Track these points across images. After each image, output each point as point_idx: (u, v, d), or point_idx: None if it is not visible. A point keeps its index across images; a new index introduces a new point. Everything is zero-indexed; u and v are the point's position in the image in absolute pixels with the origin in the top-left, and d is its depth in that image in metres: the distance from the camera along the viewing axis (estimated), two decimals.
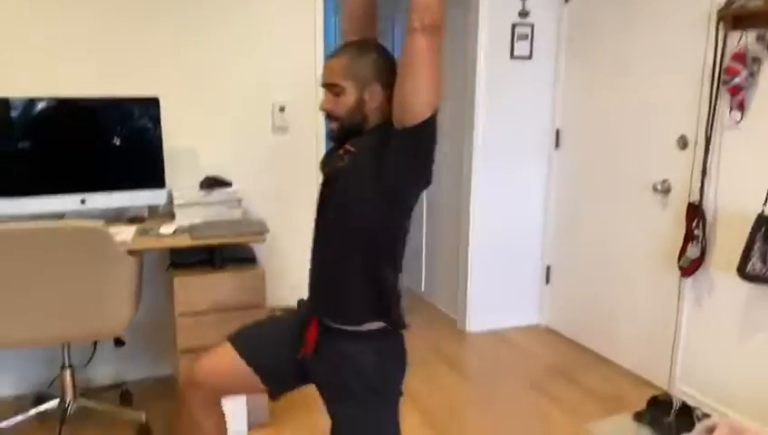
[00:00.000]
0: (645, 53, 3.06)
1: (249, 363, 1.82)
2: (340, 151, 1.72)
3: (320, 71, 3.19)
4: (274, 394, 1.89)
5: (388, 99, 1.64)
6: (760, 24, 2.46)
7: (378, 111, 1.68)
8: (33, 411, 2.63)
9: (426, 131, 1.58)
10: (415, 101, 1.54)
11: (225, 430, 1.95)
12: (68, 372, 2.63)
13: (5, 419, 2.58)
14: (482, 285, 3.79)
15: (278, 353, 1.84)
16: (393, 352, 1.79)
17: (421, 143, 1.60)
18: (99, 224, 2.27)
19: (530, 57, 3.59)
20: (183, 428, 1.93)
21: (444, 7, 1.53)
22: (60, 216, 2.70)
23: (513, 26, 3.52)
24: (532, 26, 3.54)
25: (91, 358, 2.97)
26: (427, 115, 1.56)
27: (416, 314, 4.10)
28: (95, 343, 2.96)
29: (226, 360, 1.83)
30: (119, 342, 2.78)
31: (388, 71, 1.66)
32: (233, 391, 1.95)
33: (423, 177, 1.66)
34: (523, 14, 3.51)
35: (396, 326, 1.76)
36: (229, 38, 3.04)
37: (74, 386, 2.65)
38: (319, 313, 1.78)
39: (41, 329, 2.32)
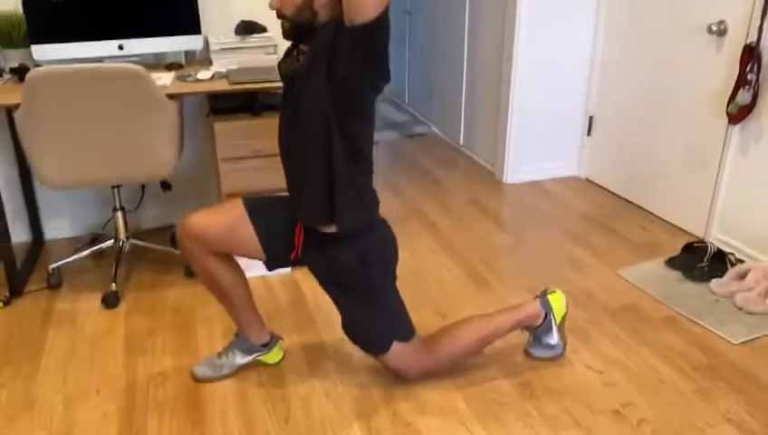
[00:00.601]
0: None
1: (255, 226, 1.87)
2: (295, 53, 1.74)
3: None
4: (270, 265, 1.96)
5: None
6: None
7: (327, 7, 1.64)
8: (89, 250, 2.81)
9: (377, 29, 1.55)
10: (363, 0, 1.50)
11: (244, 275, 2.02)
12: (120, 214, 2.76)
13: (64, 258, 2.76)
14: (522, 136, 3.75)
15: (280, 233, 1.91)
16: (378, 249, 1.89)
17: (372, 41, 1.57)
18: (139, 67, 2.29)
19: None
20: (202, 282, 2.00)
21: None
22: (98, 61, 2.71)
23: None
24: None
25: (140, 201, 3.11)
26: (377, 12, 1.51)
27: (454, 167, 4.12)
28: (143, 188, 3.09)
29: (234, 214, 1.87)
30: (165, 185, 2.88)
31: None
32: (228, 248, 1.91)
33: (377, 73, 1.64)
34: None
35: (373, 224, 1.86)
36: None
37: (126, 227, 2.79)
38: (300, 217, 1.87)
39: (91, 170, 2.42)
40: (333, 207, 1.77)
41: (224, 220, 1.87)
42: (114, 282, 2.61)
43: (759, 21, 2.60)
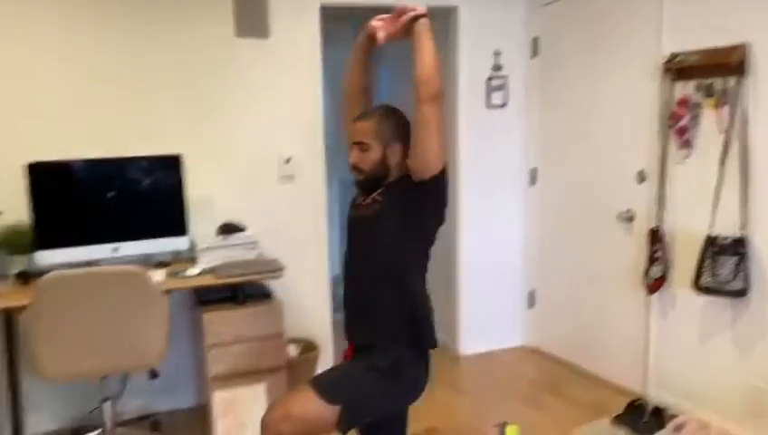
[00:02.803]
0: (606, 98, 3.51)
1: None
2: (369, 201, 2.09)
3: (320, 127, 3.60)
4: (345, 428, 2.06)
5: (405, 155, 2.02)
6: (697, 75, 2.91)
7: (398, 165, 2.06)
8: None
9: (440, 181, 1.99)
10: (429, 159, 1.94)
11: None
12: (108, 404, 2.91)
13: None
14: (472, 312, 4.15)
15: None
16: (411, 374, 2.09)
17: (439, 189, 2.01)
18: (140, 268, 2.61)
19: (504, 105, 4.03)
20: None
21: (441, 78, 1.93)
22: (94, 263, 3.02)
23: (489, 79, 3.96)
24: (507, 78, 3.99)
25: (122, 390, 3.25)
26: (440, 168, 1.96)
27: None
28: (124, 378, 3.26)
29: (307, 401, 1.96)
30: (153, 374, 3.07)
31: (405, 132, 2.05)
32: (312, 432, 1.98)
33: (441, 216, 2.07)
34: (497, 67, 3.96)
35: (424, 347, 2.12)
36: (242, 102, 3.43)
37: (113, 417, 2.93)
38: (355, 340, 2.14)
39: (89, 362, 2.63)
40: (395, 333, 2.03)
41: (305, 407, 1.96)
42: None
43: (657, 210, 3.19)
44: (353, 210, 2.18)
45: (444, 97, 1.96)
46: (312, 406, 1.96)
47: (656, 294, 3.26)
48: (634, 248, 3.38)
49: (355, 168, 2.09)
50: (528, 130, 4.10)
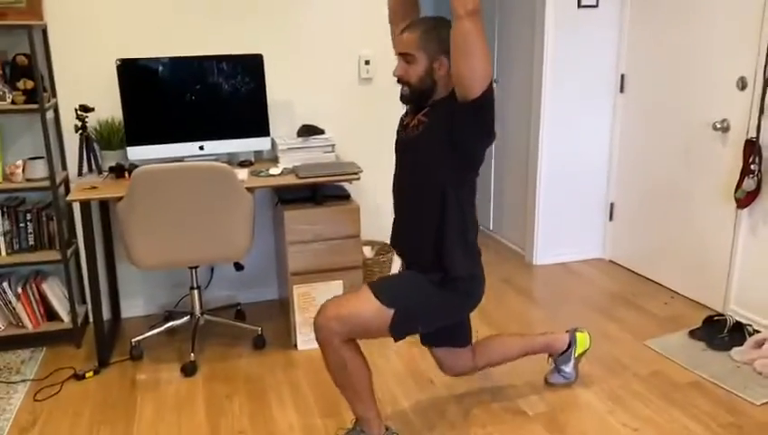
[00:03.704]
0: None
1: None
2: (415, 121, 2.06)
3: None
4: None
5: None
6: None
7: (444, 79, 1.99)
8: (167, 325, 3.13)
9: (486, 100, 1.92)
10: (473, 77, 1.86)
11: (369, 367, 2.12)
12: (196, 292, 3.11)
13: (142, 333, 3.08)
14: (549, 221, 4.10)
15: None
16: (465, 282, 2.14)
17: (483, 111, 1.94)
18: (226, 166, 2.70)
19: (596, 5, 3.79)
20: (332, 369, 2.08)
21: None
22: (180, 160, 3.14)
23: None
24: None
25: (209, 282, 3.46)
26: (484, 87, 1.88)
27: (485, 249, 4.44)
28: (212, 269, 3.45)
29: (365, 301, 2.04)
30: (239, 266, 3.24)
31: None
32: (362, 333, 2.05)
33: (489, 135, 2.01)
34: None
35: (474, 274, 2.14)
36: (322, 1, 3.39)
37: (201, 304, 3.13)
38: (412, 265, 2.18)
39: (178, 253, 2.79)
40: (443, 259, 2.06)
41: (357, 308, 2.02)
42: (192, 352, 2.92)
43: (756, 120, 2.99)
44: (401, 131, 2.17)
45: (481, 12, 1.84)
46: (366, 307, 2.02)
47: (747, 209, 3.12)
48: (728, 161, 3.21)
49: (401, 80, 2.05)
50: (620, 33, 3.86)
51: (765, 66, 2.92)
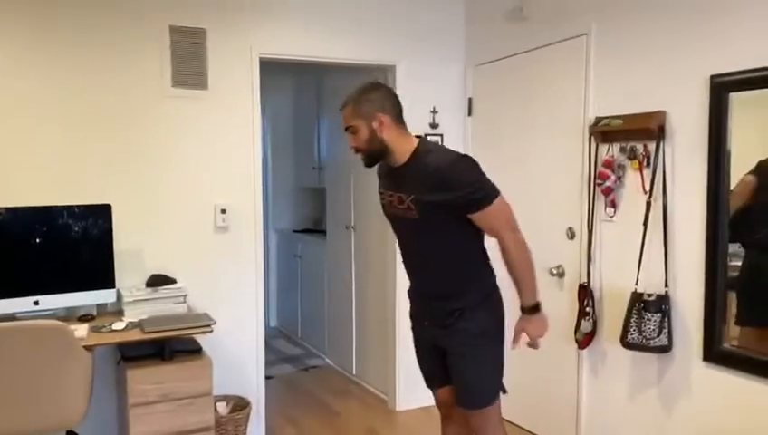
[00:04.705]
0: (537, 158, 3.62)
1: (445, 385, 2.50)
2: (404, 205, 2.25)
3: (257, 178, 3.58)
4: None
5: (396, 123, 2.22)
6: (621, 138, 3.05)
7: (390, 134, 2.20)
8: None
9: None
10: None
11: None
12: None
13: None
14: (411, 365, 4.11)
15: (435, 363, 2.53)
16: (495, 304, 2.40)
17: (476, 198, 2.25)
18: (62, 323, 2.50)
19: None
20: None
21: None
22: (12, 317, 2.87)
23: (425, 136, 4.02)
24: (442, 136, 4.09)
25: None
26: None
27: (349, 397, 4.36)
28: None
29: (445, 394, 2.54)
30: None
31: (389, 99, 2.22)
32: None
33: (494, 190, 2.32)
34: (433, 125, 4.06)
35: (492, 290, 2.39)
36: (177, 152, 3.39)
37: None
38: (434, 320, 2.41)
39: (5, 423, 2.48)
40: (470, 295, 2.32)
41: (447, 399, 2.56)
42: None
43: (586, 266, 3.28)
44: (387, 206, 2.37)
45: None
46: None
47: (586, 350, 3.32)
48: (566, 304, 3.45)
49: (356, 150, 2.27)
50: None
51: (588, 218, 3.25)
